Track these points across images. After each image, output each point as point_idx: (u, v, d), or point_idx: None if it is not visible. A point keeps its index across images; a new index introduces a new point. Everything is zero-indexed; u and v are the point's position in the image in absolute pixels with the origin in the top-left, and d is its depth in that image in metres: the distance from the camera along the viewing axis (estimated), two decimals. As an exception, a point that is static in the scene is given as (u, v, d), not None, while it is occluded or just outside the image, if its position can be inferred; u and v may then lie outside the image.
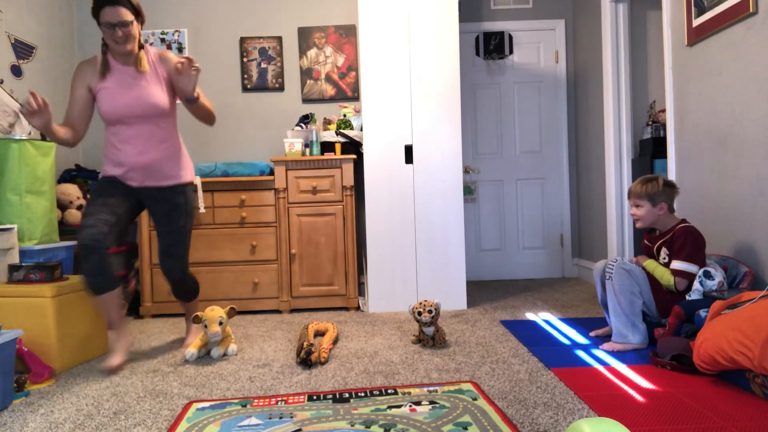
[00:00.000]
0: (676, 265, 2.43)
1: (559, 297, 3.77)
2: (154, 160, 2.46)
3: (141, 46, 2.44)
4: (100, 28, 2.33)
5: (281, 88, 4.24)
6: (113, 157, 2.46)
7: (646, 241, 2.68)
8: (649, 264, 2.55)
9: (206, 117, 2.54)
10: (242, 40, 4.22)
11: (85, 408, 1.99)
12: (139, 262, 3.57)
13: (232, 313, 2.62)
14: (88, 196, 2.48)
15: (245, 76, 4.23)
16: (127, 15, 2.31)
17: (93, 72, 2.42)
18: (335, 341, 2.76)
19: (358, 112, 3.89)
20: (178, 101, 2.72)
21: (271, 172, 3.66)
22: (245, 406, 1.92)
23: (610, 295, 2.51)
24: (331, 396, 1.99)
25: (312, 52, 4.22)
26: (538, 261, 4.63)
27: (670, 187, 2.54)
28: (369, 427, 1.70)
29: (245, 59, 4.22)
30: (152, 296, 3.57)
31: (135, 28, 2.36)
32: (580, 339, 2.67)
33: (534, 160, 4.60)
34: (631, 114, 3.90)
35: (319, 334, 2.88)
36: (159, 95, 2.43)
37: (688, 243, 2.43)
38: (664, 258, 2.54)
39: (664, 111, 3.57)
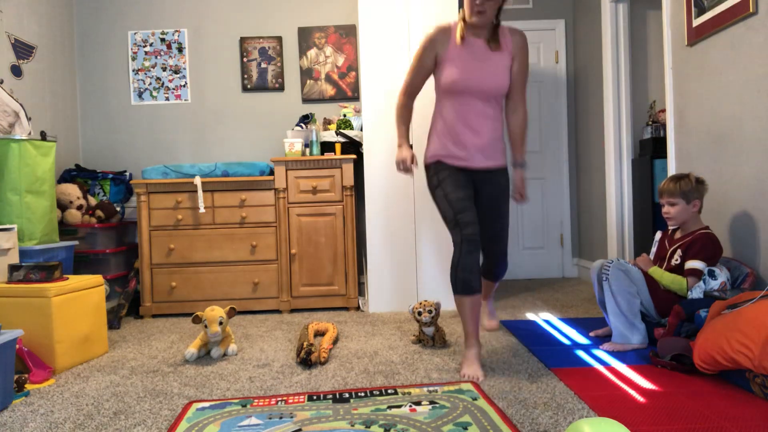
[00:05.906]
0: (693, 264, 2.40)
1: (559, 297, 3.77)
2: (489, 140, 2.38)
3: (497, 24, 2.38)
4: None
5: (281, 88, 4.24)
6: (450, 137, 2.38)
7: (665, 241, 2.64)
8: (655, 271, 2.51)
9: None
10: (242, 40, 4.22)
11: (85, 408, 1.99)
12: (139, 262, 3.57)
13: (232, 313, 2.62)
14: (434, 180, 2.41)
15: (245, 76, 4.23)
16: None
17: (444, 40, 2.37)
18: (335, 341, 2.76)
19: (358, 112, 3.89)
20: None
21: (271, 172, 3.66)
22: (245, 406, 1.92)
23: (608, 295, 2.50)
24: (331, 396, 1.99)
25: (312, 52, 4.22)
26: (538, 261, 4.63)
27: (701, 184, 2.49)
28: (369, 427, 1.70)
29: (245, 59, 4.22)
30: (152, 296, 3.57)
31: (494, 4, 2.27)
32: (580, 339, 2.67)
33: (534, 160, 4.60)
34: (631, 114, 3.90)
35: (319, 334, 2.88)
36: (504, 77, 2.35)
37: (707, 247, 2.40)
38: (677, 260, 2.50)
39: (664, 111, 3.57)
